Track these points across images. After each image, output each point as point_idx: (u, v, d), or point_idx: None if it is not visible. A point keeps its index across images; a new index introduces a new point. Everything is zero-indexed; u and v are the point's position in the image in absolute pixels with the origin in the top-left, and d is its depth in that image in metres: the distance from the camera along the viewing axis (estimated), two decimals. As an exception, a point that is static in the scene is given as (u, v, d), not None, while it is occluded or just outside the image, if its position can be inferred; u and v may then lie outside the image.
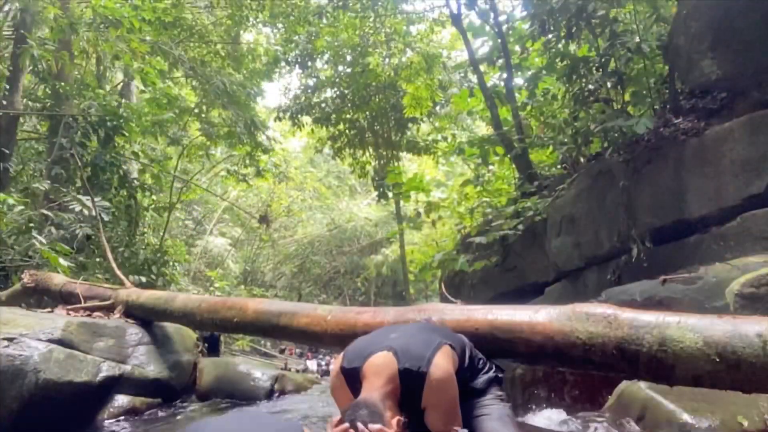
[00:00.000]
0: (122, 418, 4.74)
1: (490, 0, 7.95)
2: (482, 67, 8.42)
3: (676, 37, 5.37)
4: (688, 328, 2.21)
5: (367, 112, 14.76)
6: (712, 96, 4.93)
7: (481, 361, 2.48)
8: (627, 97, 6.09)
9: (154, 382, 5.16)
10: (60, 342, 4.37)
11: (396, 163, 15.16)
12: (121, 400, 4.82)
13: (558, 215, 6.08)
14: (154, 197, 12.21)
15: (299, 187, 22.93)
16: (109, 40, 9.24)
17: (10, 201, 7.69)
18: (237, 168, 14.71)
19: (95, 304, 5.68)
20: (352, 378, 2.12)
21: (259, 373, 6.64)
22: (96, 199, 8.39)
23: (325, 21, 13.28)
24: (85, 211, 8.45)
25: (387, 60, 14.47)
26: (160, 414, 5.05)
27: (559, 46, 6.56)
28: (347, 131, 15.27)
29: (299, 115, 14.90)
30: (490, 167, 8.70)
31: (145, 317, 5.49)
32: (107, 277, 7.99)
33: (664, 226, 4.74)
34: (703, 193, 4.47)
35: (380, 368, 2.05)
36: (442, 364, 2.08)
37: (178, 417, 5.05)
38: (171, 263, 11.80)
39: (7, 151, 9.00)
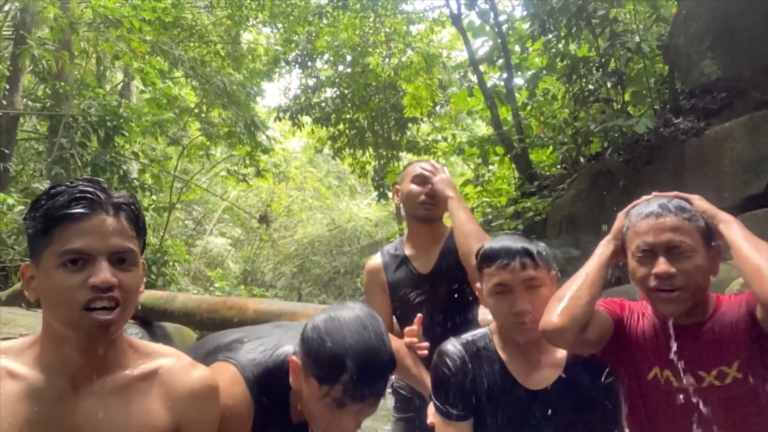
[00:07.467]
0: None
1: (490, 0, 7.94)
2: (482, 67, 8.40)
3: (676, 37, 5.37)
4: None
5: (367, 112, 14.74)
6: (712, 96, 4.94)
7: None
8: (627, 97, 6.09)
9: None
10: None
11: (396, 163, 15.11)
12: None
13: (558, 215, 6.08)
14: (154, 197, 12.19)
15: (299, 187, 22.90)
16: (109, 40, 9.24)
17: (10, 201, 7.69)
18: (237, 168, 14.69)
19: (95, 303, 5.65)
20: None
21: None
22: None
23: (325, 21, 13.26)
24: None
25: (387, 60, 14.45)
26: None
27: (559, 46, 6.56)
28: (347, 131, 15.25)
29: (299, 115, 14.87)
30: (490, 167, 8.69)
31: (145, 317, 5.49)
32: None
33: (665, 226, 4.73)
34: (702, 193, 4.37)
35: None
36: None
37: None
38: (171, 263, 11.79)
39: (7, 151, 9.00)
